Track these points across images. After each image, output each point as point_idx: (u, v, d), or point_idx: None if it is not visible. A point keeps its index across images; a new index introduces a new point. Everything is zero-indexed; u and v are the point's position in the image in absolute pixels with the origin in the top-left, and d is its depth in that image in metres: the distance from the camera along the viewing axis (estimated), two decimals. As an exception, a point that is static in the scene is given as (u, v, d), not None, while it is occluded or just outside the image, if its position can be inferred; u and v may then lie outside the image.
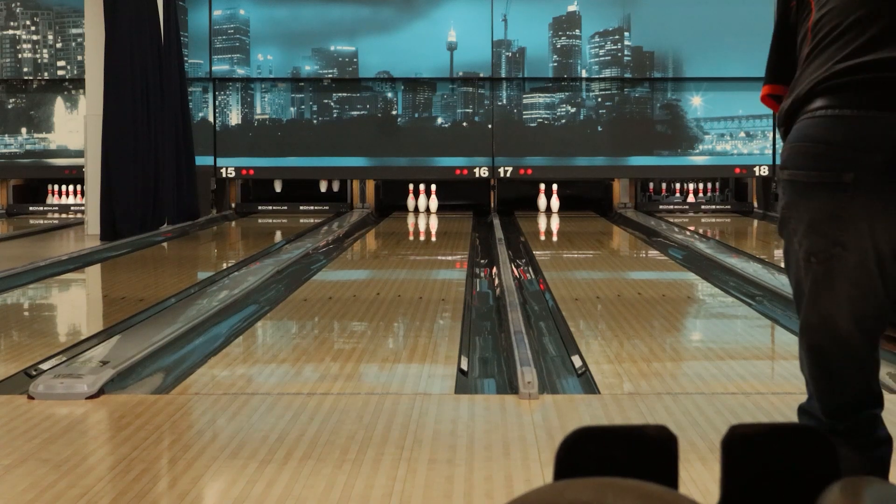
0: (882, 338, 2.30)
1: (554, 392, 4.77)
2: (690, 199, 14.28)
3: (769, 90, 2.54)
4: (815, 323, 2.30)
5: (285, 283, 7.99)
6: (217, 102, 14.13)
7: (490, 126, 14.01)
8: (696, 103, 13.92)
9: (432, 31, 13.93)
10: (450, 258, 10.07)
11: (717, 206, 14.22)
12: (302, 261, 9.16)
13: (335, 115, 14.11)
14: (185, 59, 13.22)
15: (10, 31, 14.28)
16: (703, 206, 14.19)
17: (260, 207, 14.49)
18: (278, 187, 14.35)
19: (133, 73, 10.91)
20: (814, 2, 2.34)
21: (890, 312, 2.25)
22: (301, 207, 14.43)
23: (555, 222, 13.21)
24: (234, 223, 13.42)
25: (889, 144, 2.11)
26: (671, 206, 14.19)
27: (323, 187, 14.35)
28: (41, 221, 13.48)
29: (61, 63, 14.29)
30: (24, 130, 14.46)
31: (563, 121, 14.02)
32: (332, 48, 14.02)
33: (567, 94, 14.04)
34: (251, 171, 14.04)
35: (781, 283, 7.46)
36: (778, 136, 14.43)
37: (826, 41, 2.26)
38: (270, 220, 13.68)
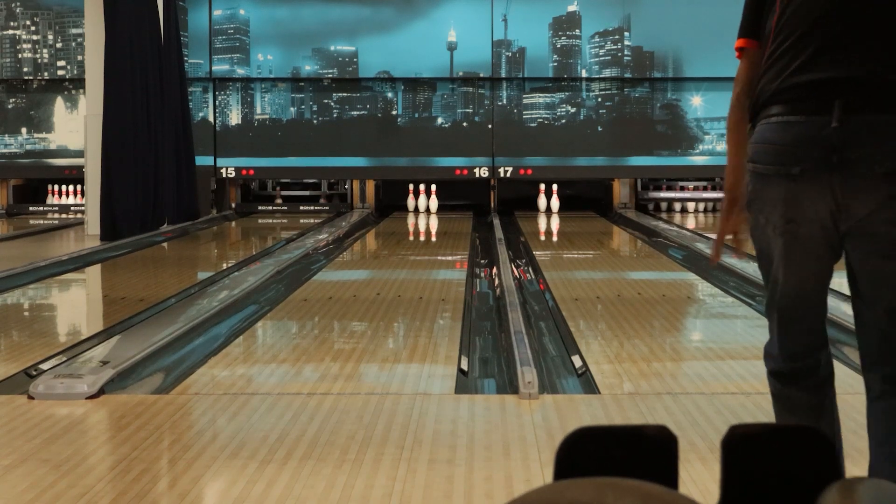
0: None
1: (554, 392, 4.77)
2: (689, 194, 14.27)
3: (743, 43, 3.06)
4: (779, 280, 2.86)
5: (285, 283, 7.99)
6: (217, 102, 14.13)
7: (490, 126, 14.01)
8: (696, 103, 13.92)
9: (432, 31, 13.93)
10: (450, 258, 10.07)
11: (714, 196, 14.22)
12: (302, 261, 9.16)
13: (335, 115, 14.11)
14: (185, 59, 13.22)
15: (10, 31, 14.28)
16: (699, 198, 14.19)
17: (260, 207, 14.50)
18: (279, 197, 14.34)
19: (133, 73, 10.91)
20: (778, 3, 2.89)
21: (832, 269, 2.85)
22: (301, 207, 14.44)
23: (555, 222, 13.21)
24: (234, 223, 13.42)
25: (823, 142, 2.71)
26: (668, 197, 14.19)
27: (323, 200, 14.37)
28: (41, 221, 13.48)
29: (61, 63, 14.29)
30: (24, 130, 14.46)
31: (563, 121, 14.02)
32: (332, 48, 14.02)
33: (567, 94, 14.04)
34: (251, 171, 14.04)
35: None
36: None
37: (782, 49, 2.85)
38: (270, 220, 13.69)
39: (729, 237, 3.03)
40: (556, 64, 13.98)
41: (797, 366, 2.89)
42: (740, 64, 3.04)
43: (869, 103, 2.69)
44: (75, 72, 14.16)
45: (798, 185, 2.73)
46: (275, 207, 14.47)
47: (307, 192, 14.60)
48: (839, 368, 5.07)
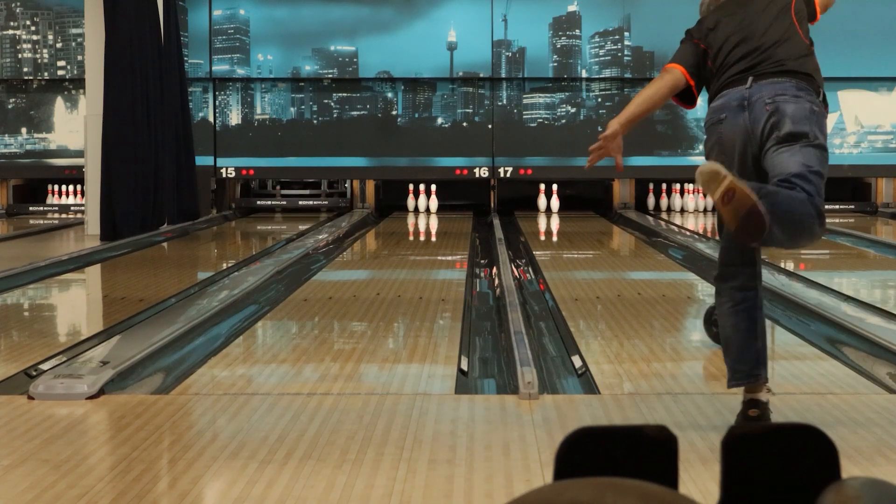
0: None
1: (554, 392, 4.77)
2: (689, 199, 14.27)
3: (679, 70, 4.22)
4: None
5: (285, 283, 7.99)
6: (217, 102, 14.13)
7: (490, 126, 14.01)
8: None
9: (432, 31, 13.94)
10: (450, 258, 10.07)
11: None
12: (302, 261, 9.16)
13: (335, 115, 14.12)
14: (185, 59, 13.22)
15: (10, 31, 14.29)
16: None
17: (259, 203, 14.50)
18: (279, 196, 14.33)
19: (133, 73, 10.91)
20: (708, 49, 4.23)
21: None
22: (300, 203, 14.45)
23: (555, 222, 13.21)
24: (234, 223, 13.43)
25: (738, 97, 3.99)
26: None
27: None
28: (41, 221, 13.48)
29: (61, 63, 14.29)
30: (24, 130, 14.46)
31: (563, 121, 14.02)
32: (332, 48, 14.02)
33: (567, 94, 14.05)
34: (251, 171, 14.05)
35: (781, 283, 7.46)
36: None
37: (720, 71, 4.13)
38: (270, 221, 13.69)
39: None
40: (556, 64, 13.98)
41: (729, 272, 3.98)
42: (677, 71, 4.22)
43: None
44: (75, 72, 14.16)
45: (723, 127, 3.94)
46: (274, 203, 14.47)
47: (307, 192, 14.60)
48: (839, 368, 5.08)
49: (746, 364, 3.95)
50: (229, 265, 9.41)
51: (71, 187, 14.52)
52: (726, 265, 4.00)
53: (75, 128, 14.12)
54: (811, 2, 4.18)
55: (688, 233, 11.87)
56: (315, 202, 14.41)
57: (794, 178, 3.71)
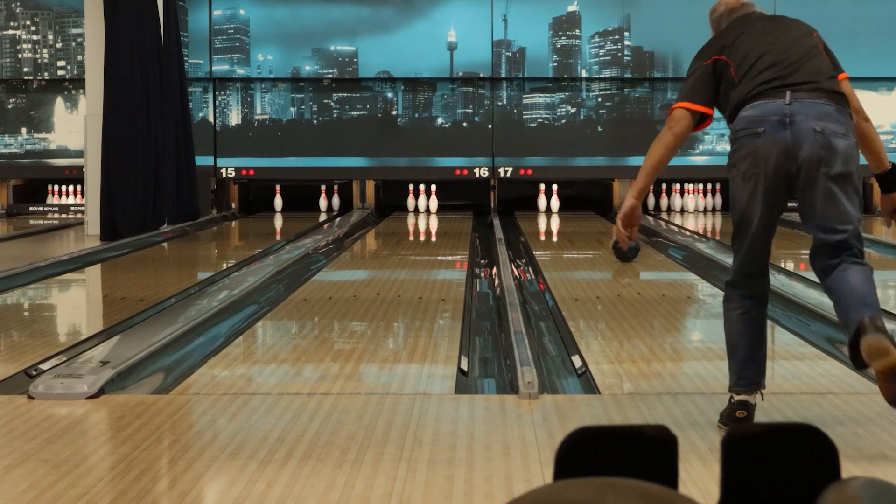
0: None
1: (554, 392, 4.77)
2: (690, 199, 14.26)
3: (698, 108, 4.12)
4: (739, 216, 4.03)
5: (285, 283, 7.99)
6: (217, 102, 14.13)
7: (490, 126, 14.01)
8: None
9: (432, 31, 13.93)
10: (450, 258, 10.07)
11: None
12: (302, 261, 9.16)
13: (335, 115, 14.12)
14: (185, 59, 13.22)
15: (10, 31, 14.29)
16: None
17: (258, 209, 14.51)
18: (279, 206, 14.31)
19: (133, 73, 10.91)
20: (731, 60, 4.06)
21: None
22: (301, 208, 14.44)
23: (555, 222, 13.21)
24: (234, 223, 13.42)
25: (778, 112, 3.92)
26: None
27: (323, 206, 14.33)
28: (41, 221, 13.48)
29: (61, 63, 14.29)
30: (24, 130, 14.46)
31: (563, 121, 14.02)
32: (332, 48, 14.02)
33: (567, 94, 14.05)
34: (251, 172, 14.04)
35: (781, 283, 7.46)
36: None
37: (747, 76, 4.02)
38: (270, 221, 13.69)
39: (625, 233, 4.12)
40: (556, 64, 13.98)
41: (748, 281, 4.04)
42: (684, 120, 4.13)
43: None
44: (75, 72, 14.16)
45: (762, 141, 3.91)
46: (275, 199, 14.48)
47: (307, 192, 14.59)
48: (839, 368, 5.08)
49: (751, 371, 3.97)
50: (229, 265, 9.41)
51: (71, 187, 14.51)
52: (742, 274, 4.03)
53: (75, 128, 14.12)
54: (839, 67, 4.14)
55: (688, 233, 11.87)
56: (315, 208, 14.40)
57: (854, 243, 3.88)
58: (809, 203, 3.92)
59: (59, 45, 14.26)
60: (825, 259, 3.91)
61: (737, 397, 3.98)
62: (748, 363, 3.97)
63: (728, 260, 8.71)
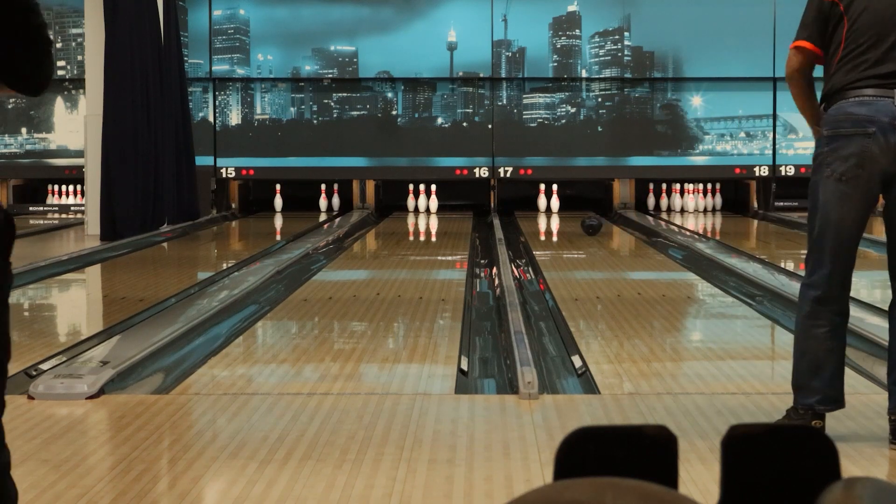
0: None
1: (554, 392, 4.77)
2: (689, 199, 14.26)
3: (807, 45, 3.86)
4: (827, 220, 3.82)
5: (285, 283, 7.99)
6: (217, 102, 14.13)
7: (490, 126, 14.01)
8: (696, 103, 13.92)
9: (432, 31, 13.93)
10: (450, 258, 10.07)
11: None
12: (302, 261, 9.16)
13: (335, 115, 14.11)
14: (185, 59, 13.22)
15: (10, 31, 14.26)
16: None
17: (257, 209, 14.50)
18: (279, 206, 14.30)
19: (133, 73, 10.91)
20: (846, 19, 3.79)
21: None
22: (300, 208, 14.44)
23: (555, 222, 13.21)
24: (234, 223, 13.42)
25: (890, 113, 3.75)
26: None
27: (323, 206, 14.32)
28: (41, 221, 13.48)
29: (61, 63, 14.28)
30: (24, 130, 14.46)
31: (563, 121, 14.02)
32: (332, 48, 14.02)
33: (567, 94, 14.04)
34: (251, 171, 14.04)
35: (781, 283, 7.46)
36: (778, 136, 14.36)
37: (853, 54, 3.80)
38: (270, 220, 13.68)
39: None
40: (556, 64, 13.98)
41: (841, 293, 3.85)
42: (797, 56, 3.89)
43: None
44: (75, 72, 14.16)
45: (871, 141, 3.73)
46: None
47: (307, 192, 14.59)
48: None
49: (836, 390, 3.88)
50: (229, 265, 9.41)
51: (71, 187, 14.51)
52: (833, 286, 3.83)
53: (75, 128, 14.12)
54: None
55: (688, 233, 11.87)
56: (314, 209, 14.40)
57: None
58: None
59: (59, 45, 14.25)
60: None
61: (815, 408, 3.89)
62: (833, 381, 3.86)
63: (728, 260, 8.74)
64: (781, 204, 13.61)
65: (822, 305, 3.83)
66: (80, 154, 13.22)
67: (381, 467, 3.57)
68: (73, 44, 14.22)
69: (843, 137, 3.75)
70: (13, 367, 5.29)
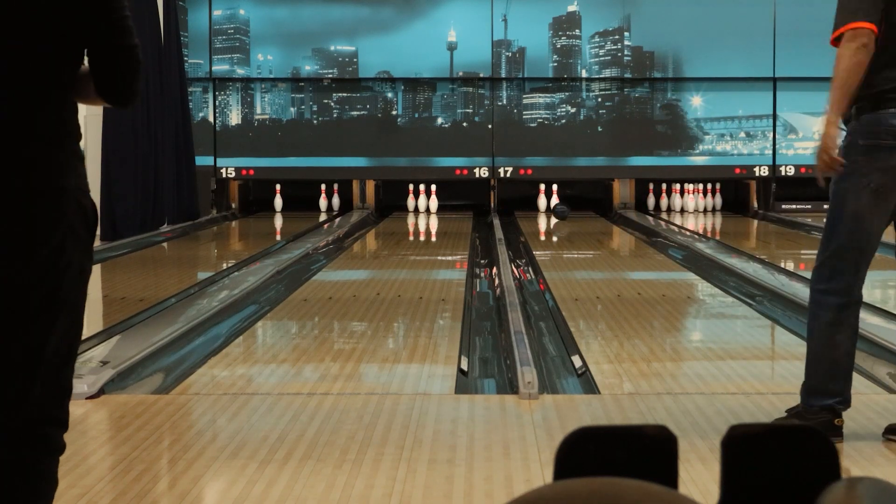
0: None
1: (554, 392, 4.77)
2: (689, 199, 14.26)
3: (869, 26, 3.67)
4: (857, 229, 3.78)
5: (285, 283, 7.99)
6: (217, 102, 14.13)
7: (490, 126, 14.01)
8: (696, 103, 13.92)
9: (432, 31, 13.93)
10: (450, 258, 10.07)
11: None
12: (302, 261, 9.16)
13: (335, 115, 14.11)
14: (185, 59, 13.22)
15: (10, 31, 14.27)
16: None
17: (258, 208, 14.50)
18: (279, 206, 14.29)
19: (133, 73, 10.89)
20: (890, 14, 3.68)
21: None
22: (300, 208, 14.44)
23: (555, 222, 13.21)
24: (234, 223, 13.42)
25: None
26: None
27: (323, 206, 14.31)
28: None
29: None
30: (24, 130, 14.44)
31: (563, 121, 14.02)
32: (332, 48, 14.02)
33: (567, 94, 14.04)
34: (251, 172, 14.04)
35: (781, 283, 7.46)
36: (778, 136, 14.35)
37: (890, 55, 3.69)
38: (270, 220, 13.68)
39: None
40: (556, 64, 13.98)
41: (860, 297, 3.87)
42: (864, 38, 3.66)
43: None
44: (75, 72, 14.14)
45: None
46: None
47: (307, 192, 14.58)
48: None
49: (849, 390, 3.90)
50: (229, 265, 9.41)
51: (71, 187, 14.48)
52: (858, 290, 3.87)
53: (75, 128, 14.10)
54: None
55: (688, 233, 11.87)
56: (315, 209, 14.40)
57: None
58: None
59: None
60: None
61: (833, 409, 3.88)
62: (850, 382, 3.88)
63: (728, 260, 8.74)
64: (789, 206, 13.57)
65: (845, 312, 3.83)
66: (80, 154, 13.20)
67: (381, 467, 3.57)
68: (73, 44, 14.21)
69: (885, 149, 3.71)
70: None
